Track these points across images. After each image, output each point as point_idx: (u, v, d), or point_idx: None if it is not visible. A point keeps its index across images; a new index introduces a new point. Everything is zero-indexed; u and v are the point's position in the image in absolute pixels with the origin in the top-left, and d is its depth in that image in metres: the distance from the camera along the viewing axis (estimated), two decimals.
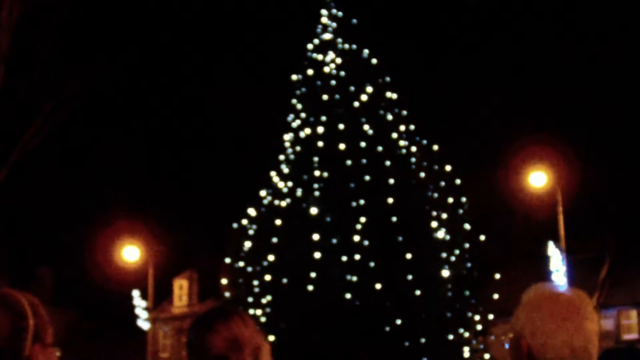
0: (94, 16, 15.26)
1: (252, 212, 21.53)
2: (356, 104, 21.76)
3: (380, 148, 21.37)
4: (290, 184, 21.36)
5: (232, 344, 3.06)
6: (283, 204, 21.24)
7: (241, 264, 21.37)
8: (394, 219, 20.50)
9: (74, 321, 53.42)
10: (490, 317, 21.41)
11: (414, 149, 22.13)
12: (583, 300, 2.77)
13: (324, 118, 21.53)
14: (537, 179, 32.07)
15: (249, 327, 3.14)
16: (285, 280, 20.31)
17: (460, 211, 21.95)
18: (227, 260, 21.98)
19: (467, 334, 21.07)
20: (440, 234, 21.19)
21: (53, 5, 13.66)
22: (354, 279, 19.87)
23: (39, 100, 13.55)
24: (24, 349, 2.83)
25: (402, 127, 22.20)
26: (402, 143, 21.98)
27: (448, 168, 22.07)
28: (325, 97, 21.79)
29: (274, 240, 20.81)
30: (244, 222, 21.52)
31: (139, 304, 39.24)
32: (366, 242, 20.06)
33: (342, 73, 22.12)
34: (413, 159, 21.96)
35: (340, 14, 22.98)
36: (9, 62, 13.11)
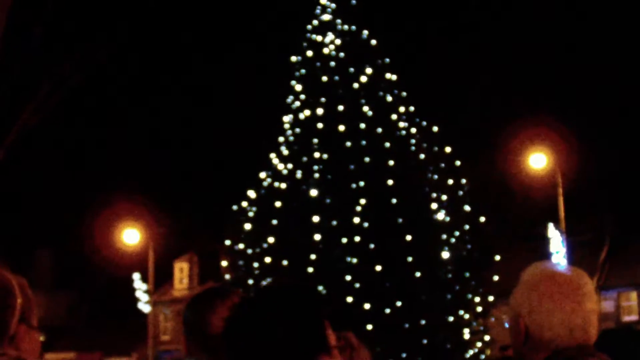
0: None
1: (251, 194, 21.50)
2: (356, 85, 21.69)
3: (380, 129, 21.31)
4: (290, 165, 21.32)
5: None
6: (283, 186, 21.21)
7: (241, 246, 21.36)
8: (394, 200, 20.48)
9: (74, 304, 53.51)
10: (491, 298, 21.41)
11: (413, 130, 22.08)
12: (582, 279, 2.72)
13: (323, 99, 21.47)
14: (537, 160, 32.02)
15: None
16: (285, 263, 20.30)
17: (460, 193, 21.93)
18: (227, 242, 21.97)
19: (467, 316, 21.09)
20: (440, 215, 21.17)
21: None
22: (354, 260, 19.87)
23: (38, 80, 13.49)
24: (9, 327, 2.82)
25: (402, 109, 22.14)
26: (401, 124, 21.93)
27: (448, 149, 22.03)
28: (324, 78, 21.72)
29: (274, 222, 20.79)
30: (244, 204, 21.50)
31: (140, 286, 39.26)
32: (366, 224, 20.04)
33: (342, 54, 22.04)
34: (413, 141, 21.91)
35: None
36: (5, 41, 13.03)
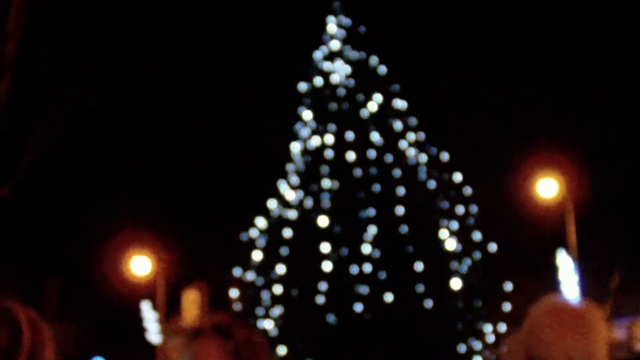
0: (100, 19, 15.21)
1: (261, 223, 21.43)
2: (365, 113, 21.67)
3: (389, 157, 21.27)
4: (299, 194, 21.27)
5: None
6: (292, 214, 21.14)
7: (251, 275, 21.27)
8: (404, 229, 20.40)
9: (83, 333, 53.38)
10: (502, 328, 21.23)
11: (423, 158, 22.02)
12: (590, 311, 2.70)
13: (332, 127, 21.45)
14: (548, 187, 31.86)
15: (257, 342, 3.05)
16: (295, 292, 20.20)
17: (471, 221, 21.82)
18: (237, 272, 21.88)
19: (478, 345, 20.92)
20: (451, 244, 21.06)
21: (59, 12, 13.63)
22: (364, 290, 19.76)
23: (45, 108, 13.51)
24: None
25: (411, 136, 22.10)
26: (411, 152, 21.87)
27: (458, 177, 21.94)
28: (333, 106, 21.71)
29: (284, 251, 20.71)
30: (254, 233, 21.42)
31: (149, 316, 39.08)
32: (376, 253, 19.96)
33: (351, 82, 22.04)
34: (422, 169, 21.85)
35: (348, 22, 22.89)
36: (15, 69, 13.08)
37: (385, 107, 22.06)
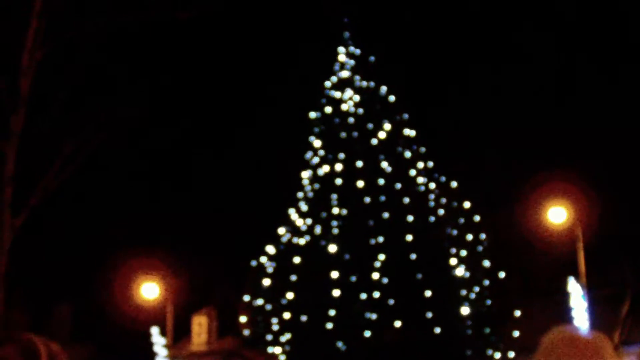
0: (113, 56, 15.39)
1: (270, 249, 21.52)
2: (374, 141, 21.80)
3: (398, 185, 21.37)
4: (309, 221, 21.37)
5: None
6: (302, 241, 21.23)
7: (260, 301, 21.33)
8: (413, 256, 20.46)
9: (92, 358, 53.35)
10: (511, 354, 21.24)
11: (432, 185, 22.11)
12: (601, 342, 2.73)
13: (342, 155, 21.58)
14: (557, 214, 31.87)
15: None
16: (304, 318, 20.25)
17: (480, 248, 21.87)
18: (246, 297, 21.94)
19: None
20: (460, 271, 21.10)
21: (73, 48, 13.80)
22: (374, 316, 19.80)
23: (59, 143, 13.66)
24: None
25: (421, 164, 22.20)
26: (420, 180, 21.97)
27: (467, 205, 22.02)
28: (343, 134, 21.85)
29: (293, 278, 20.78)
30: (263, 259, 21.51)
31: (158, 341, 39.10)
32: (385, 280, 20.01)
33: (360, 110, 22.18)
34: (432, 196, 21.93)
35: (357, 51, 23.08)
36: (29, 105, 13.24)
37: (395, 135, 22.19)
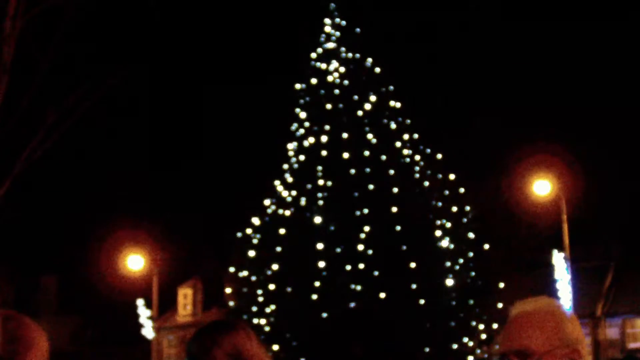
0: (98, 24, 15.29)
1: (256, 221, 21.54)
2: (360, 112, 21.79)
3: (384, 157, 21.38)
4: (294, 193, 21.38)
5: (235, 359, 3.02)
6: (287, 213, 21.25)
7: (245, 273, 21.38)
8: (398, 228, 20.50)
9: (78, 329, 53.43)
10: (495, 326, 21.37)
11: (417, 157, 22.13)
12: (553, 311, 2.70)
13: (327, 127, 21.56)
14: (541, 187, 32.00)
15: (253, 341, 3.10)
16: (289, 290, 20.32)
17: (464, 220, 21.95)
18: (231, 269, 21.99)
19: (471, 343, 21.05)
20: (444, 242, 21.18)
21: (56, 14, 13.69)
22: (358, 287, 19.87)
23: (42, 111, 13.58)
24: None
25: (406, 136, 22.21)
26: (405, 152, 21.99)
27: (452, 177, 22.07)
28: (328, 106, 21.82)
29: (278, 249, 20.82)
30: (248, 231, 21.53)
31: (144, 312, 39.20)
32: (370, 251, 20.06)
33: (346, 82, 22.15)
34: (417, 168, 21.97)
35: (343, 23, 23.01)
36: (11, 72, 13.13)
37: (380, 107, 22.18)
